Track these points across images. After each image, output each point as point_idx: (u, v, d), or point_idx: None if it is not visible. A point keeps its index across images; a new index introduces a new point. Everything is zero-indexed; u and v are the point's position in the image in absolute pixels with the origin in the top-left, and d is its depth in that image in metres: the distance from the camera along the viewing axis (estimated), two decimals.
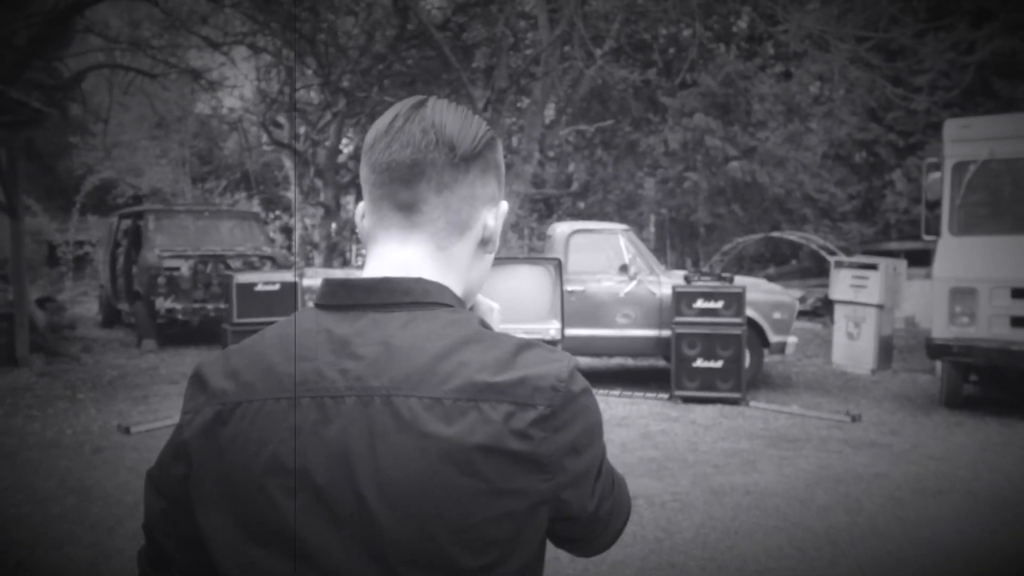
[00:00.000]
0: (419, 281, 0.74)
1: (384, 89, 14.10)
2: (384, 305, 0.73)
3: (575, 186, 15.46)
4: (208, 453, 0.72)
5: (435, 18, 13.21)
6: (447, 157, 0.76)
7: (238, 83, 15.32)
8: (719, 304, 6.57)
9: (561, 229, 7.51)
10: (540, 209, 15.28)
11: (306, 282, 7.29)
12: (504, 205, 0.82)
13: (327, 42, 12.25)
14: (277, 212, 16.06)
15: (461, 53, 12.93)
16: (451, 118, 0.77)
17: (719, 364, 6.53)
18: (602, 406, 6.62)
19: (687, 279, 6.81)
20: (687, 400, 6.58)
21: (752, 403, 6.49)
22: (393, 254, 0.76)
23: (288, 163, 14.18)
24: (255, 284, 6.58)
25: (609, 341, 7.11)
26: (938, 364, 6.26)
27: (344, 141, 17.32)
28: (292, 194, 14.04)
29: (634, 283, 7.05)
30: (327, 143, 13.74)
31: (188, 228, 10.46)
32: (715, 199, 12.16)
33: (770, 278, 11.36)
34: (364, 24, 13.15)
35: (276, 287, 6.64)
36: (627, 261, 7.08)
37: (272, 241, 15.36)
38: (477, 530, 0.68)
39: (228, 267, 9.53)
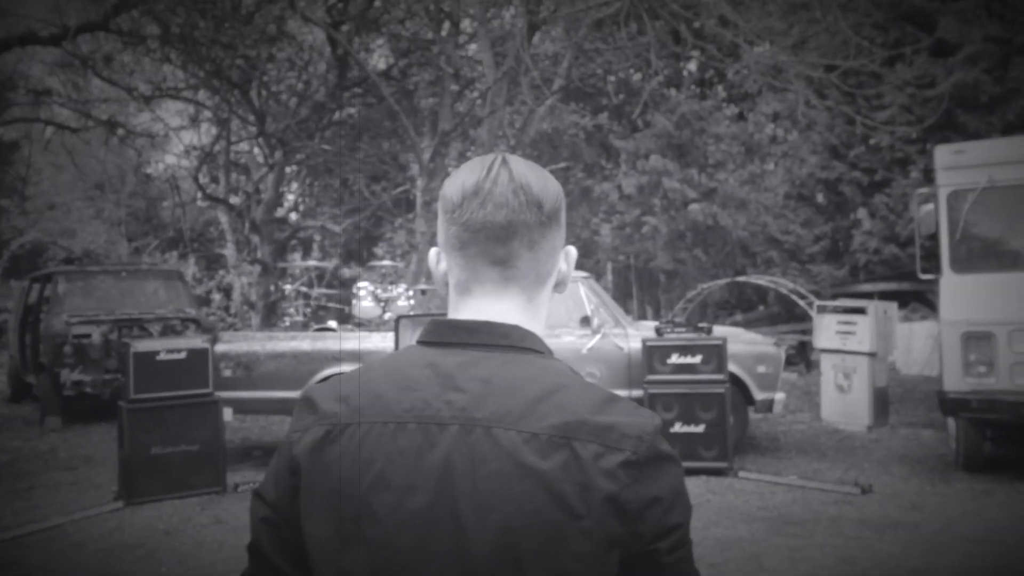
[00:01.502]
0: (516, 328, 0.83)
1: (326, 140, 13.38)
2: (484, 345, 0.81)
3: None
4: (316, 468, 0.79)
5: (376, 66, 12.65)
6: (536, 216, 0.83)
7: (169, 136, 14.37)
8: (697, 359, 5.75)
9: None
10: None
11: (221, 348, 6.19)
12: (572, 250, 0.91)
13: (262, 92, 11.49)
14: (221, 272, 15.00)
15: (406, 101, 12.35)
16: (533, 176, 0.84)
17: (700, 428, 5.66)
18: None
19: (658, 331, 6.00)
20: None
21: (742, 473, 5.60)
22: (488, 307, 0.84)
23: (225, 219, 13.16)
24: (157, 353, 5.47)
25: None
26: (950, 421, 5.50)
27: (291, 199, 16.39)
28: (228, 251, 12.96)
29: (598, 337, 6.19)
30: (265, 197, 12.80)
31: (103, 290, 9.31)
32: (675, 244, 11.58)
33: (737, 325, 10.69)
34: (303, 74, 12.49)
35: (182, 355, 5.52)
36: (589, 312, 6.24)
37: (207, 301, 14.16)
38: (557, 561, 0.73)
39: (147, 332, 8.49)
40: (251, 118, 11.67)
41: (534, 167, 0.85)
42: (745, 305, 12.94)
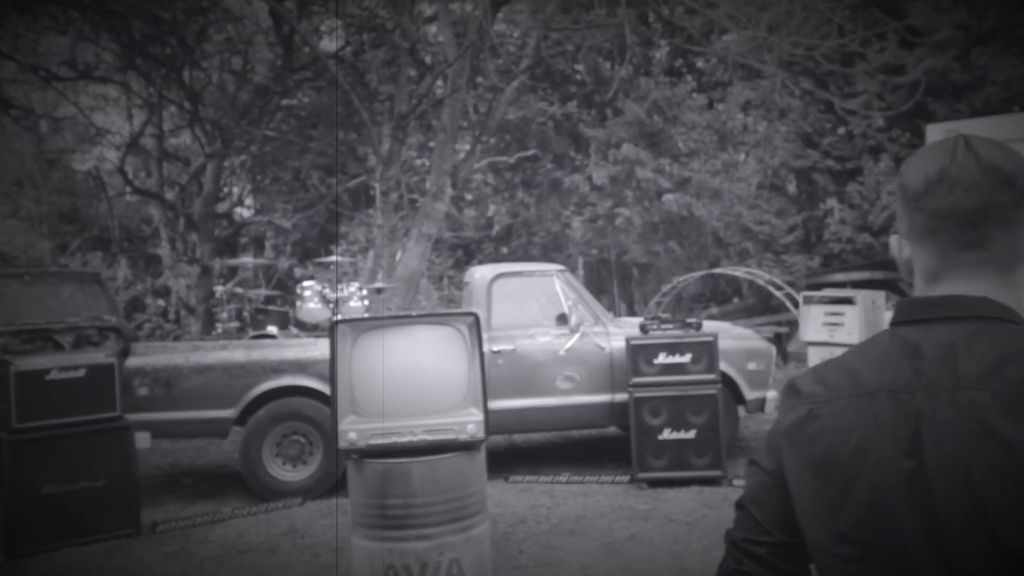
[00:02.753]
0: (984, 299, 0.83)
1: (272, 128, 12.43)
2: (951, 318, 0.83)
3: (496, 229, 14.07)
4: (799, 443, 0.87)
5: (328, 49, 11.78)
6: (1010, 195, 0.82)
7: (94, 125, 13.07)
8: (686, 358, 5.16)
9: (481, 274, 5.94)
10: (459, 255, 13.74)
11: (134, 361, 5.28)
12: None
13: (193, 72, 10.47)
14: (165, 273, 13.79)
15: (361, 87, 11.49)
16: (1001, 155, 0.84)
17: (691, 434, 5.07)
18: (546, 501, 4.89)
19: (644, 328, 5.38)
20: (654, 483, 5.05)
21: (736, 481, 5.02)
22: (959, 290, 0.84)
23: (158, 215, 12.04)
24: (46, 372, 4.50)
25: (549, 412, 5.51)
26: None
27: (235, 192, 15.25)
28: (164, 251, 11.86)
29: (576, 336, 5.53)
30: (204, 190, 11.74)
31: (6, 297, 8.13)
32: (650, 236, 11.03)
33: (713, 318, 10.22)
34: (244, 54, 11.51)
35: (80, 373, 4.59)
36: (566, 309, 5.58)
37: (143, 306, 12.97)
38: None
39: (57, 344, 7.45)
40: (185, 103, 10.64)
41: (999, 144, 0.85)
42: (720, 298, 12.51)
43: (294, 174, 13.72)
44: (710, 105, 11.91)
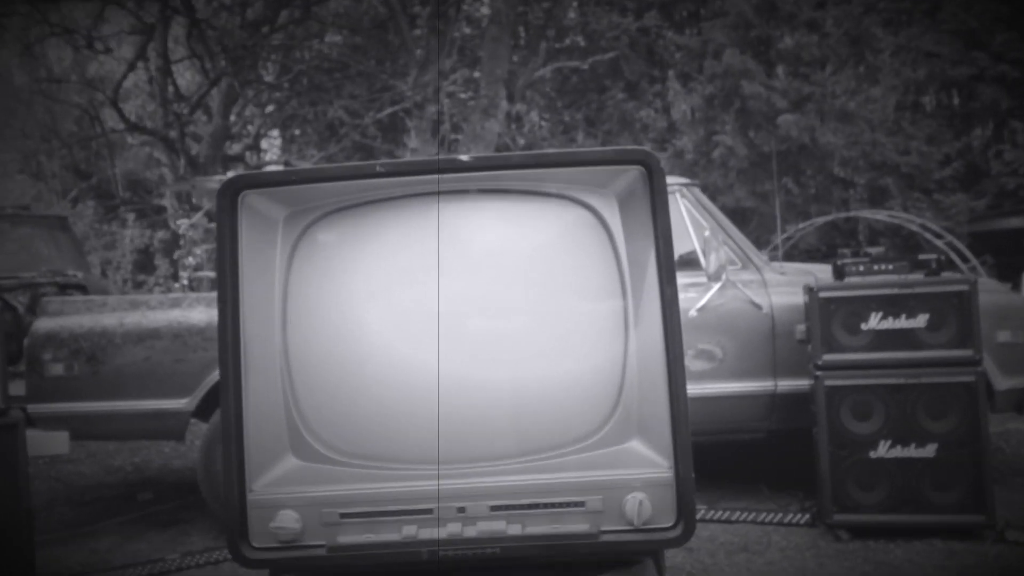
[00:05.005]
0: None
1: (285, 45, 10.55)
2: None
3: None
4: None
5: None
6: None
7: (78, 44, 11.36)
8: (918, 320, 3.05)
9: None
10: None
11: (44, 324, 3.55)
12: None
13: None
14: (180, 225, 12.23)
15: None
16: None
17: (929, 451, 2.99)
18: (684, 556, 2.93)
19: (840, 270, 3.27)
20: (860, 531, 3.01)
21: (1010, 533, 2.92)
22: None
23: (163, 159, 10.40)
24: None
25: None
26: None
27: (252, 130, 13.40)
28: (168, 202, 10.25)
29: (717, 287, 3.47)
30: (212, 127, 9.99)
31: None
32: (757, 171, 8.69)
33: None
34: None
35: None
36: (698, 246, 3.52)
37: (152, 267, 11.52)
38: None
39: (6, 305, 5.89)
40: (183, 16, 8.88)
41: None
42: (838, 251, 10.15)
43: (320, 116, 11.90)
44: (820, 5, 9.36)
